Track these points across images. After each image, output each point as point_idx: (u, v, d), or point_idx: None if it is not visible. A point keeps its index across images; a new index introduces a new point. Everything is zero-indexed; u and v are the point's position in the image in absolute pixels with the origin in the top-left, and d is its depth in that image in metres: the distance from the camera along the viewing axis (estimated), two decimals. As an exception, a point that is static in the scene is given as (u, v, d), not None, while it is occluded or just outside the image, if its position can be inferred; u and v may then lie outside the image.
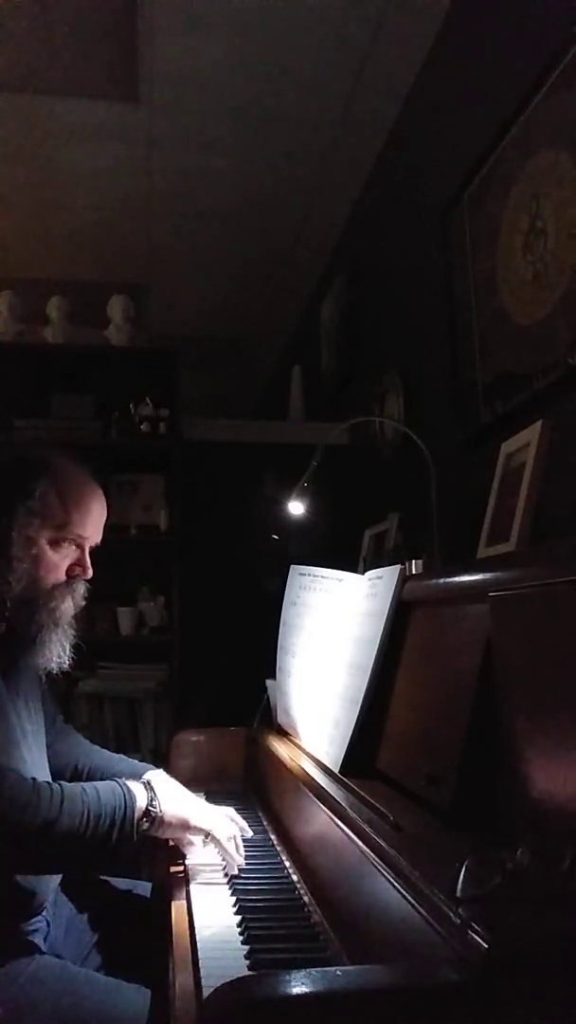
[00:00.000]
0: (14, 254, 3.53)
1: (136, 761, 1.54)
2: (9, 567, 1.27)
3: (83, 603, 1.38)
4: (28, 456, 1.38)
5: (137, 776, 1.35)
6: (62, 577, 1.33)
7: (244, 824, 1.37)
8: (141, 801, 1.20)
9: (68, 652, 1.34)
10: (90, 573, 1.37)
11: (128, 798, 1.18)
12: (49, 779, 1.34)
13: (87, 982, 1.17)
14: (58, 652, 1.31)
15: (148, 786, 1.23)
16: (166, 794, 1.24)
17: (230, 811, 1.36)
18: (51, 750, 1.45)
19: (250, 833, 1.37)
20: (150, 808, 1.20)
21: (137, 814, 1.18)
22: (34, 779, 1.16)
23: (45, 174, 3.03)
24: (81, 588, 1.37)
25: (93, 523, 1.37)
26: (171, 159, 2.95)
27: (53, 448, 1.42)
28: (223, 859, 1.26)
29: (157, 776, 1.35)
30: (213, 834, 1.25)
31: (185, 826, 1.24)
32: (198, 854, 1.29)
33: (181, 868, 1.28)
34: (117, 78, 2.54)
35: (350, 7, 2.23)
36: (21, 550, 1.28)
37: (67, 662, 1.33)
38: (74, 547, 1.35)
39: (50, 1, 2.23)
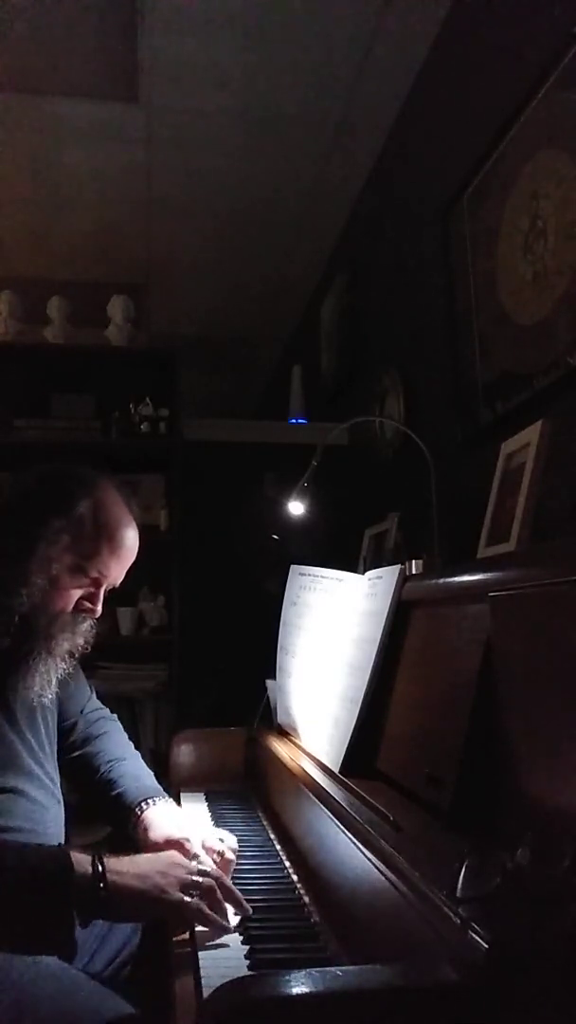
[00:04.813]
0: (14, 254, 3.52)
1: (151, 784, 1.36)
2: (25, 579, 1.18)
3: (81, 642, 1.28)
4: (76, 470, 1.30)
5: (143, 798, 1.28)
6: (69, 608, 1.24)
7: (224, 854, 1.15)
8: (82, 871, 0.99)
9: (54, 685, 1.24)
10: (99, 613, 1.28)
11: (58, 876, 0.98)
12: (58, 797, 1.29)
13: (87, 984, 1.17)
14: (41, 683, 1.21)
15: (98, 860, 1.00)
16: (120, 873, 1.00)
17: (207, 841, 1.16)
18: (83, 751, 1.42)
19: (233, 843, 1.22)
20: (99, 889, 0.99)
21: (73, 894, 0.98)
22: None
23: (45, 174, 3.03)
24: (85, 626, 1.28)
25: (119, 565, 1.28)
26: (171, 159, 2.94)
27: (103, 472, 1.33)
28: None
29: (156, 809, 1.25)
30: (187, 913, 1.02)
31: (155, 905, 1.02)
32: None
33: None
34: (117, 78, 2.54)
35: (350, 7, 2.23)
36: (40, 566, 1.19)
37: (49, 695, 1.24)
38: (90, 582, 1.26)
39: (50, 1, 2.23)
